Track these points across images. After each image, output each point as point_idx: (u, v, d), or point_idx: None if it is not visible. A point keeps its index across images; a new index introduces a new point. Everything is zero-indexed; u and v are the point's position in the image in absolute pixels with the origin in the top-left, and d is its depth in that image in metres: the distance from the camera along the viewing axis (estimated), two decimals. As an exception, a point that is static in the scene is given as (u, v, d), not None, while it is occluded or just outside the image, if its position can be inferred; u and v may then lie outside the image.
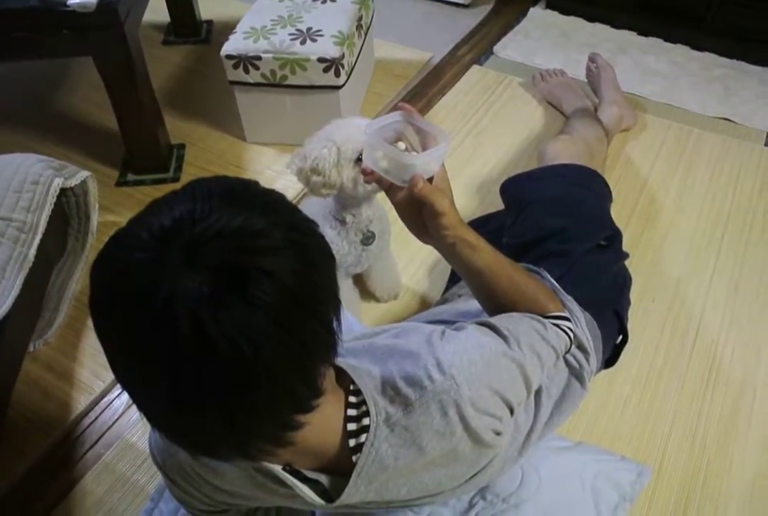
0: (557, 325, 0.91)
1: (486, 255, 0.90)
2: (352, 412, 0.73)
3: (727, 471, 1.26)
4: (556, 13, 2.43)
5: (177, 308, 0.52)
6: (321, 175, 1.18)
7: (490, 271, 0.90)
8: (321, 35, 1.72)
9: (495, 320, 0.84)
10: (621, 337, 1.26)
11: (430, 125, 0.84)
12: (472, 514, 1.07)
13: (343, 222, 1.29)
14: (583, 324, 1.13)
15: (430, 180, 0.83)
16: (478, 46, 2.31)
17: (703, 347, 1.46)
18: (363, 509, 0.88)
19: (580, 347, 1.11)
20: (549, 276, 1.14)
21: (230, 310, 0.52)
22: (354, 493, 0.75)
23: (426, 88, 2.13)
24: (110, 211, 1.76)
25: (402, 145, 0.86)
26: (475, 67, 2.22)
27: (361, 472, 0.73)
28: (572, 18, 2.40)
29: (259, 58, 1.71)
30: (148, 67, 1.72)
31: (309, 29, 1.74)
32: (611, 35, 2.33)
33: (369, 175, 0.84)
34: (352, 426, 0.73)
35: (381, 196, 1.05)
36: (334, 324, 0.62)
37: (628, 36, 2.32)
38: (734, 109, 2.04)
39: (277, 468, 0.73)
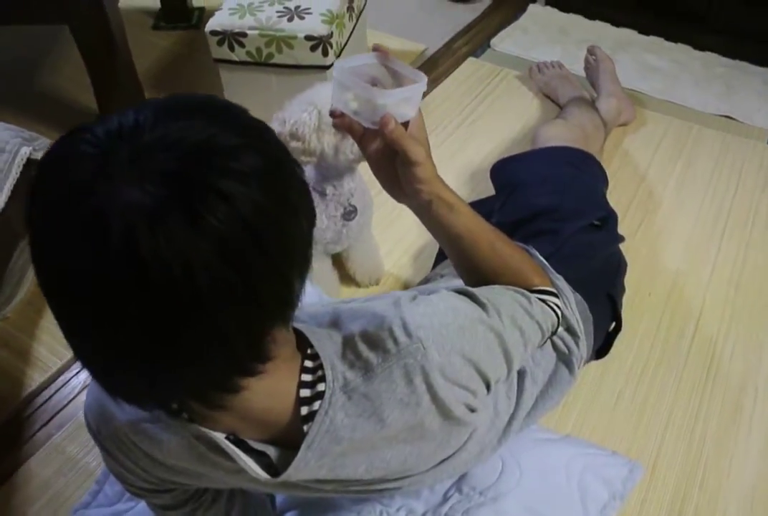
0: (544, 301, 0.82)
1: (465, 218, 0.82)
2: (306, 377, 0.65)
3: (726, 473, 1.17)
4: (555, 10, 2.37)
5: (111, 217, 0.44)
6: (300, 140, 1.11)
7: (471, 235, 0.82)
8: (309, 13, 1.66)
9: (474, 289, 0.75)
10: (614, 324, 1.18)
11: (408, 68, 0.76)
12: (446, 507, 0.97)
13: (323, 194, 1.21)
14: (572, 304, 1.04)
15: (405, 126, 0.75)
16: (474, 40, 2.25)
17: (702, 343, 1.37)
18: (320, 492, 0.79)
19: (570, 330, 1.02)
20: (537, 253, 1.06)
21: (171, 230, 0.45)
22: (303, 467, 0.65)
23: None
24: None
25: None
26: (470, 60, 2.16)
27: (312, 443, 0.64)
28: (572, 15, 2.35)
29: (244, 34, 1.64)
30: (136, 51, 1.66)
31: (297, 7, 1.68)
32: (611, 33, 2.27)
33: (338, 118, 0.76)
34: (305, 392, 0.64)
35: (363, 169, 0.97)
36: (296, 283, 0.55)
37: (629, 34, 2.26)
38: (736, 107, 1.97)
39: (219, 436, 0.64)
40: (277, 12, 1.66)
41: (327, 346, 0.66)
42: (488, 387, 0.74)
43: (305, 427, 0.64)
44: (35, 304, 1.43)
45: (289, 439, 0.65)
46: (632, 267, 1.29)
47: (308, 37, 1.62)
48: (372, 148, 0.80)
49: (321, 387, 0.64)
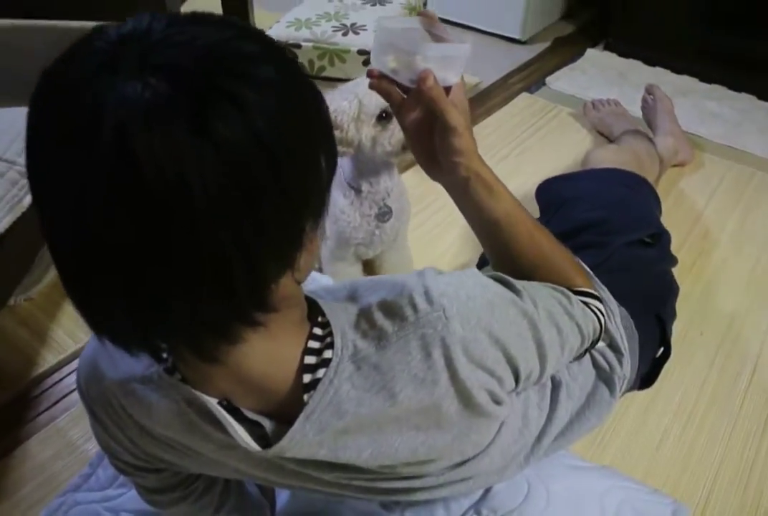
0: (586, 304, 0.74)
1: (505, 201, 0.75)
2: (314, 344, 0.58)
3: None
4: (614, 54, 2.35)
5: (106, 110, 0.40)
6: (338, 129, 1.06)
7: (509, 222, 0.75)
8: (365, 29, 1.67)
9: (509, 277, 0.67)
10: (662, 350, 1.07)
11: (454, 34, 0.72)
12: (461, 531, 0.85)
13: (358, 191, 1.16)
14: (617, 318, 0.94)
15: (447, 93, 0.70)
16: (530, 77, 2.23)
17: (760, 390, 1.25)
18: (320, 485, 0.70)
19: (612, 346, 0.92)
20: (581, 262, 0.97)
21: (171, 130, 0.40)
22: (300, 439, 0.57)
23: (471, 108, 2.04)
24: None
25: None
26: (524, 94, 2.13)
27: (312, 414, 0.56)
28: (630, 60, 2.32)
29: (299, 45, 1.65)
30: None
31: (353, 24, 1.69)
32: (671, 79, 2.22)
33: (375, 79, 0.72)
34: (310, 359, 0.57)
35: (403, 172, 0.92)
36: (307, 225, 0.49)
37: (690, 81, 2.21)
38: (802, 156, 1.88)
39: (212, 400, 0.57)
40: (333, 27, 1.67)
41: (340, 315, 0.59)
42: (517, 379, 0.64)
43: (306, 397, 0.56)
44: (61, 287, 1.39)
45: (287, 412, 0.57)
46: (684, 305, 1.19)
47: (361, 52, 1.62)
48: (410, 118, 0.75)
49: (328, 354, 0.57)
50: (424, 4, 1.91)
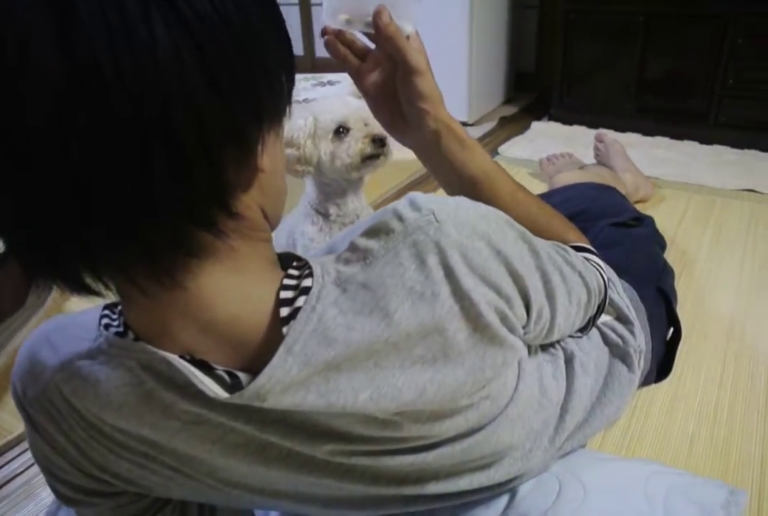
0: (585, 259, 0.70)
1: (480, 158, 0.74)
2: (289, 281, 0.50)
3: None
4: (558, 124, 2.47)
5: None
6: (295, 147, 1.06)
7: (488, 179, 0.72)
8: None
9: None
10: (672, 332, 1.00)
11: None
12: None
13: (326, 216, 1.13)
14: (619, 288, 0.89)
15: None
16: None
17: (781, 384, 1.16)
18: (318, 471, 0.59)
19: (620, 318, 0.86)
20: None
21: None
22: (281, 377, 0.47)
23: (429, 179, 2.09)
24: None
25: None
26: (480, 161, 2.19)
27: (294, 345, 0.47)
28: (575, 126, 2.44)
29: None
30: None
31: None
32: (616, 137, 2.30)
33: (329, 36, 0.72)
34: (286, 293, 0.49)
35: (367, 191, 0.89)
36: (276, 85, 0.45)
37: (634, 137, 2.31)
38: (757, 181, 1.93)
39: (171, 355, 0.48)
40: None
41: (317, 258, 0.53)
42: (528, 310, 0.56)
43: (285, 329, 0.47)
44: (9, 373, 1.27)
45: (263, 363, 0.47)
46: (680, 312, 1.14)
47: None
48: (369, 82, 0.74)
49: (307, 282, 0.49)
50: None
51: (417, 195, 0.52)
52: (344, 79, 2.02)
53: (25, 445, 1.10)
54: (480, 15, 2.38)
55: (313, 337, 0.47)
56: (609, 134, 2.15)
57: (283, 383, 0.47)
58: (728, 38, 2.08)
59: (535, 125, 2.48)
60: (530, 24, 2.74)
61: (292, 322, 0.47)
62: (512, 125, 2.52)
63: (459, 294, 0.50)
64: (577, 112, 2.44)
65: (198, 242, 0.44)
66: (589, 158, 2.00)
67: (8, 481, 1.04)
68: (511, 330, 0.55)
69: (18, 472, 1.05)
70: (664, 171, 2.03)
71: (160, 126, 0.38)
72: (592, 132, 2.37)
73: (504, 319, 0.53)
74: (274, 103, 0.47)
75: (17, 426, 1.13)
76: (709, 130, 2.22)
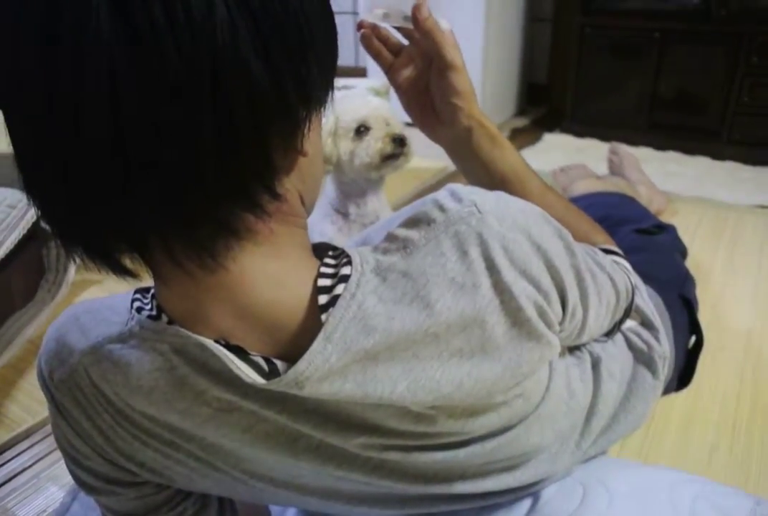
0: (614, 262, 0.69)
1: (511, 156, 0.73)
2: (327, 269, 0.49)
3: None
4: (570, 136, 2.47)
5: None
6: (317, 145, 1.05)
7: (518, 178, 0.72)
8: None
9: None
10: (694, 340, 0.99)
11: None
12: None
13: (345, 215, 1.12)
14: (644, 293, 0.88)
15: None
16: (495, 158, 2.31)
17: (801, 398, 1.15)
18: (344, 465, 0.57)
19: (645, 323, 0.85)
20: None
21: None
22: (320, 364, 0.46)
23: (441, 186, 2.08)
24: (90, 270, 1.60)
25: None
26: (492, 171, 2.19)
27: (334, 332, 0.46)
28: (587, 139, 2.44)
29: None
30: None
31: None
32: (629, 150, 2.32)
33: (366, 29, 0.72)
34: (324, 281, 0.48)
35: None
36: (323, 69, 0.45)
37: (646, 151, 2.32)
38: (770, 198, 1.93)
39: (206, 339, 0.47)
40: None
41: (353, 248, 0.52)
42: (564, 307, 0.55)
43: (324, 316, 0.46)
44: (18, 367, 1.28)
45: (301, 350, 0.46)
46: None
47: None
48: (402, 77, 0.74)
49: (346, 271, 0.48)
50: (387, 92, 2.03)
51: (457, 186, 0.52)
52: (359, 84, 2.02)
53: (34, 438, 1.09)
54: (493, 27, 2.39)
55: (353, 325, 0.46)
56: (623, 147, 2.16)
57: (321, 371, 0.46)
58: (743, 56, 2.09)
59: (547, 137, 2.48)
60: (543, 37, 2.75)
61: (331, 310, 0.46)
62: (524, 137, 2.53)
63: (500, 287, 0.49)
64: (589, 125, 2.44)
65: (241, 221, 0.43)
66: (600, 171, 1.99)
67: (17, 475, 1.02)
68: (549, 326, 0.54)
69: (27, 465, 1.03)
70: (676, 186, 2.03)
71: (211, 94, 0.38)
72: (605, 145, 2.38)
73: (542, 314, 0.53)
74: (320, 85, 0.46)
75: (26, 419, 1.12)
76: (722, 146, 2.22)
